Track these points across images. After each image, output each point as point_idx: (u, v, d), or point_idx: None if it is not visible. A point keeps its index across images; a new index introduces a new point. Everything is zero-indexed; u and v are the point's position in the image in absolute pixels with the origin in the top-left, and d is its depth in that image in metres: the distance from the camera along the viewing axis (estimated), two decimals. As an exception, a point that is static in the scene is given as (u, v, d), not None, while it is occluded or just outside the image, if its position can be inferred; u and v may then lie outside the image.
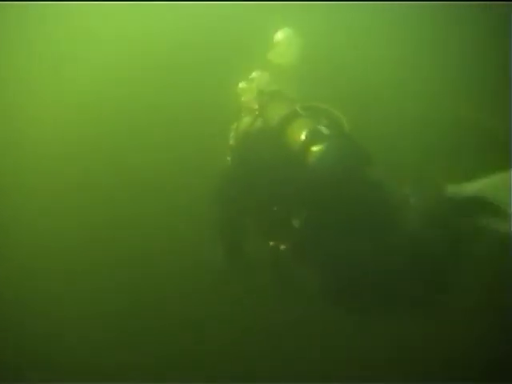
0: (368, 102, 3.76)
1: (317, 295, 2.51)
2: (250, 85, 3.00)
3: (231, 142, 2.91)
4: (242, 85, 3.04)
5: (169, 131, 3.95)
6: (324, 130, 2.49)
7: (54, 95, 4.12)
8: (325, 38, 3.71)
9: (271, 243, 2.50)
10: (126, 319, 3.79)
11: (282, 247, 2.47)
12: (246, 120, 2.85)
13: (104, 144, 4.09)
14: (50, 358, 3.68)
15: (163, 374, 3.61)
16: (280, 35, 3.01)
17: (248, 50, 3.43)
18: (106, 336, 3.78)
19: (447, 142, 3.60)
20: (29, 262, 3.90)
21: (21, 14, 4.00)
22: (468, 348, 2.97)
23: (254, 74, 3.03)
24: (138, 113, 4.11)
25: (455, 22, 3.69)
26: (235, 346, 3.60)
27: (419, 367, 3.14)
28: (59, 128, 4.11)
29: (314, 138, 2.46)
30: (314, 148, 2.42)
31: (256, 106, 2.79)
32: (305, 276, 2.56)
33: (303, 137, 2.47)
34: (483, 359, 2.93)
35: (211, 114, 3.71)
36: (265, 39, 3.06)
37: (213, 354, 3.63)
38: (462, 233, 2.37)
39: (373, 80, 3.83)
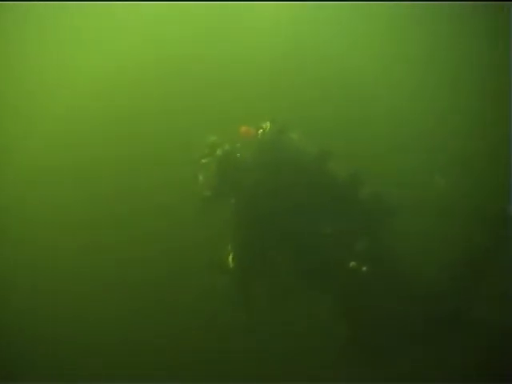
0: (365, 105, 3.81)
1: None
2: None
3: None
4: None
5: (169, 132, 3.94)
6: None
7: (53, 96, 4.13)
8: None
9: (351, 264, 2.53)
10: (126, 320, 3.78)
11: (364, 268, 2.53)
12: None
13: (104, 143, 4.08)
14: (50, 356, 3.70)
15: (162, 373, 3.60)
16: None
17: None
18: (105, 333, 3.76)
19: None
20: (28, 258, 3.91)
21: (22, 14, 4.00)
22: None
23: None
24: (139, 113, 4.09)
25: (454, 21, 3.70)
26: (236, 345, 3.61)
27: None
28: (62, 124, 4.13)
29: (360, 176, 2.59)
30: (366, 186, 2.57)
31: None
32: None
33: (349, 174, 2.58)
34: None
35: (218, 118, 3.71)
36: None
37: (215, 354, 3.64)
38: None
39: (368, 80, 3.86)
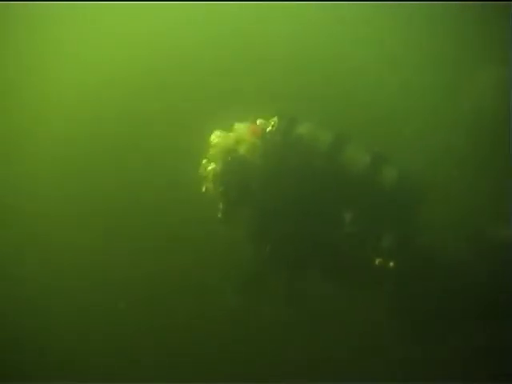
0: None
1: None
2: None
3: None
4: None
5: (170, 131, 3.95)
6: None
7: (54, 95, 4.15)
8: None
9: (377, 261, 2.43)
10: (126, 317, 3.78)
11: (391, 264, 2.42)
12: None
13: (103, 143, 4.09)
14: (49, 355, 3.69)
15: (162, 372, 3.61)
16: None
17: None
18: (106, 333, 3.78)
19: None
20: (29, 257, 3.92)
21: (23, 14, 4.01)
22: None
23: None
24: (136, 112, 4.10)
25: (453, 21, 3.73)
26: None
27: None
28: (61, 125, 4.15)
29: (380, 160, 2.48)
30: (386, 170, 2.46)
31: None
32: None
33: (367, 159, 2.46)
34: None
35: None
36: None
37: (212, 354, 3.64)
38: None
39: (367, 82, 3.87)
